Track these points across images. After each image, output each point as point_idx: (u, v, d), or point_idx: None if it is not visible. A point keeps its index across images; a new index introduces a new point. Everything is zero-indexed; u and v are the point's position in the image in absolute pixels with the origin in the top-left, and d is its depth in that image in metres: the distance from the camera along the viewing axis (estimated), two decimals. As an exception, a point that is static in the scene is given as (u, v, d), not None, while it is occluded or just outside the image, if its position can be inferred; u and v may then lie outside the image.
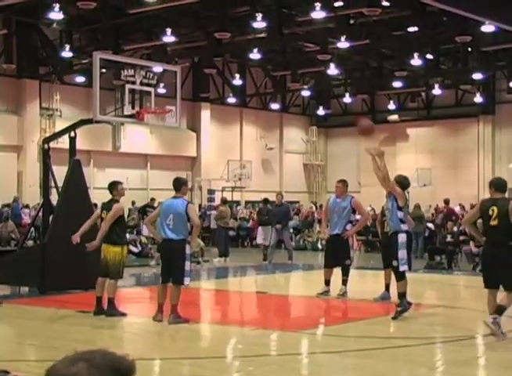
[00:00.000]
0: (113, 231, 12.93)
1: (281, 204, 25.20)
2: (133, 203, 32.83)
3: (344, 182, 15.79)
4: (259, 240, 26.87)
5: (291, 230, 33.25)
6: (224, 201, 28.24)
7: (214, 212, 30.23)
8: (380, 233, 15.47)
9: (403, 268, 12.67)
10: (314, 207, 38.78)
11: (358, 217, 17.58)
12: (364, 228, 24.24)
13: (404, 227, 12.67)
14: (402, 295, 12.65)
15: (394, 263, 12.69)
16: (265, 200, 27.12)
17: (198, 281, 20.08)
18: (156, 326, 12.20)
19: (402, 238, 12.59)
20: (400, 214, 12.66)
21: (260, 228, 26.50)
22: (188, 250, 12.12)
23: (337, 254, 15.34)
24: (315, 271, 21.25)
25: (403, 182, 13.12)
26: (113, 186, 13.53)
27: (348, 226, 15.38)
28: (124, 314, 13.04)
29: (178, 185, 12.45)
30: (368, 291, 16.04)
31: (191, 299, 14.91)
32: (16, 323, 13.04)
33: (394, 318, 12.57)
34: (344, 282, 15.40)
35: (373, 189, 41.19)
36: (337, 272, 15.50)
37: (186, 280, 12.15)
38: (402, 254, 12.58)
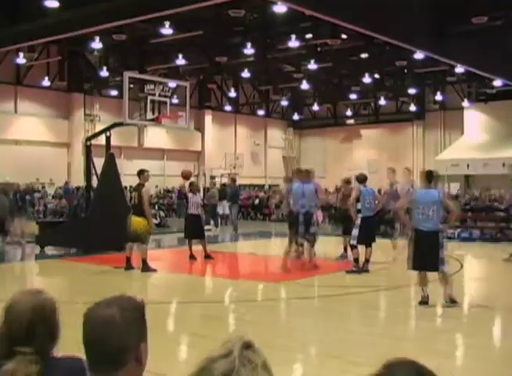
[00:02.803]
0: (142, 207, 12.86)
1: (233, 186, 25.38)
2: (156, 186, 33.06)
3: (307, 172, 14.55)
4: (220, 211, 26.90)
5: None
6: (213, 184, 28.52)
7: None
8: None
9: (353, 242, 12.67)
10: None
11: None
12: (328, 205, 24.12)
13: (359, 215, 12.65)
14: (355, 260, 12.66)
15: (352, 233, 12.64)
16: (224, 184, 27.31)
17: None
18: (172, 278, 12.21)
19: (358, 221, 12.59)
20: (357, 205, 12.67)
21: (219, 203, 26.55)
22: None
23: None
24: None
25: (360, 178, 13.04)
26: (140, 173, 13.53)
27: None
28: (155, 270, 12.98)
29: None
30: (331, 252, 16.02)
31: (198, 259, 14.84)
32: (68, 276, 13.06)
33: (348, 272, 12.63)
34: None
35: (335, 175, 41.44)
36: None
37: None
38: (355, 232, 12.60)
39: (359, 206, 12.58)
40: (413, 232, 9.29)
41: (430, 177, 9.51)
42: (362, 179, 13.07)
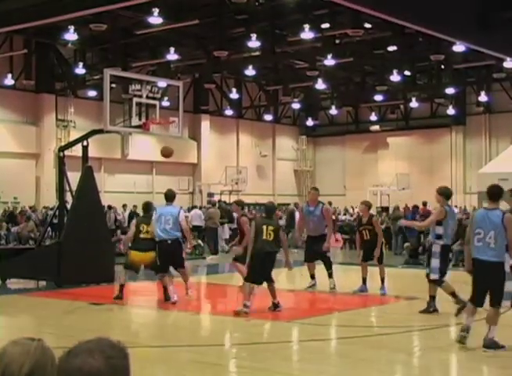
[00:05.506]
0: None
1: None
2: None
3: (316, 190, 15.99)
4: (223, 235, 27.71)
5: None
6: (213, 204, 28.55)
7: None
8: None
9: (433, 276, 12.01)
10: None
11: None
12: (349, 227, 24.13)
13: (439, 241, 11.89)
14: (453, 294, 12.06)
15: (427, 270, 12.21)
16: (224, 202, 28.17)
17: (197, 276, 20.05)
18: (160, 316, 12.19)
19: (435, 248, 11.90)
20: (438, 229, 11.90)
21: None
22: None
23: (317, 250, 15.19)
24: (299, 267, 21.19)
25: (446, 193, 12.12)
26: (149, 208, 14.05)
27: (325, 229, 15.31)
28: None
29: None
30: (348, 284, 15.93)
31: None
32: (34, 314, 13.03)
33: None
34: (330, 275, 15.31)
35: (356, 192, 41.37)
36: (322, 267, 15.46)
37: None
38: (435, 263, 11.91)
39: (441, 231, 12.05)
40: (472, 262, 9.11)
41: (494, 194, 9.21)
42: (448, 195, 12.26)
